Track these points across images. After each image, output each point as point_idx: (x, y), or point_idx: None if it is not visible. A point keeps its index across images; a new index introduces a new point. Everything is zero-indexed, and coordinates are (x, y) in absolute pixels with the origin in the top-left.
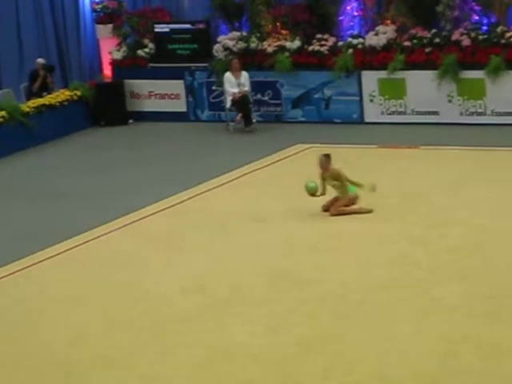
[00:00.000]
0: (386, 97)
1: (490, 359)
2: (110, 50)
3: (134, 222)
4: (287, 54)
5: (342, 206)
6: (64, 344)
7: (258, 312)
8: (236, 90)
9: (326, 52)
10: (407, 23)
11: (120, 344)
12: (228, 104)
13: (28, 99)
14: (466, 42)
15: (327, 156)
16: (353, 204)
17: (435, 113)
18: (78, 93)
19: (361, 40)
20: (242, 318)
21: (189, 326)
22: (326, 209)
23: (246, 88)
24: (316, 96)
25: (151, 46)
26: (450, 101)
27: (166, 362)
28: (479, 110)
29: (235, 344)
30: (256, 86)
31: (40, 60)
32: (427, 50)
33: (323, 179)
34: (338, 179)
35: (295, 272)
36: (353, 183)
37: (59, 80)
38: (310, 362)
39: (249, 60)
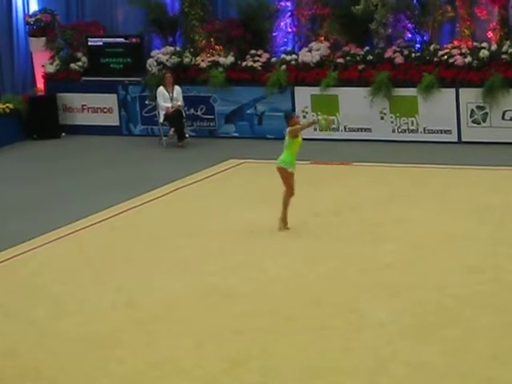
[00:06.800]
0: (319, 113)
1: (417, 376)
2: (42, 63)
3: (66, 235)
4: (221, 69)
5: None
6: None
7: (188, 327)
8: (169, 105)
9: (260, 68)
10: (340, 40)
11: (50, 357)
12: (161, 118)
13: None
14: (398, 59)
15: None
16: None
17: (367, 130)
18: (11, 106)
19: (294, 56)
20: (172, 333)
21: (119, 341)
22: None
23: (179, 103)
24: (249, 111)
25: (84, 59)
26: (382, 118)
27: (95, 376)
28: (411, 128)
29: (164, 359)
30: (189, 101)
31: None
32: (360, 67)
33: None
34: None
35: (225, 287)
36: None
37: None
38: (239, 378)
39: (182, 75)
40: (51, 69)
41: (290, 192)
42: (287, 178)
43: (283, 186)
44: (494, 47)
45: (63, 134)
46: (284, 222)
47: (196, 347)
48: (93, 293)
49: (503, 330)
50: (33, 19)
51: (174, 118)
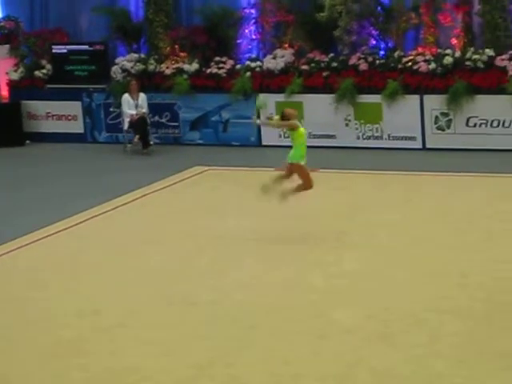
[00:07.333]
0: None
1: (383, 382)
2: (6, 70)
3: (31, 242)
4: (185, 76)
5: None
6: None
7: (154, 335)
8: (134, 112)
9: (224, 75)
10: (305, 47)
11: (18, 364)
12: (125, 126)
13: None
14: (363, 66)
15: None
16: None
17: (332, 136)
18: None
19: (259, 63)
20: (137, 340)
21: (83, 349)
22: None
23: (144, 110)
24: (214, 119)
25: (48, 66)
26: (346, 125)
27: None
28: (376, 134)
29: (130, 366)
30: (154, 108)
31: None
32: (325, 73)
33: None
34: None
35: (190, 294)
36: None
37: None
38: None
39: (147, 82)
40: (15, 76)
41: (307, 185)
42: (300, 171)
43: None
44: (458, 54)
45: (27, 141)
46: (286, 194)
47: (162, 354)
48: (58, 300)
49: (469, 336)
50: None
51: (138, 125)
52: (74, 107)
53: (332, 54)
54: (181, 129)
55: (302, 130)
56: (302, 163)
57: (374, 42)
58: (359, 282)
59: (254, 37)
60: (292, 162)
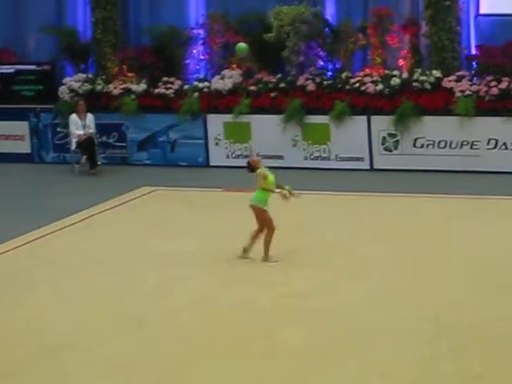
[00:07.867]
0: (232, 140)
1: None
2: None
3: None
4: (133, 96)
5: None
6: None
7: (100, 354)
8: (81, 132)
9: (172, 95)
10: (253, 68)
11: None
12: (73, 146)
13: None
14: (310, 87)
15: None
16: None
17: (280, 157)
18: None
19: (207, 84)
20: (83, 361)
21: (27, 370)
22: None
23: (91, 130)
24: (161, 139)
25: None
26: (294, 145)
27: None
28: (323, 155)
29: None
30: (101, 129)
31: None
32: (272, 94)
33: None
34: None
35: (136, 315)
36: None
37: None
38: None
39: (94, 102)
40: None
41: (270, 232)
42: (261, 216)
43: (257, 223)
44: (405, 75)
45: None
46: (266, 256)
47: (107, 375)
48: (1, 320)
49: (417, 356)
50: None
51: (86, 145)
52: (21, 127)
53: (280, 75)
54: (128, 149)
55: (270, 177)
56: (266, 208)
57: (322, 63)
58: (307, 302)
59: (202, 57)
60: (255, 204)
